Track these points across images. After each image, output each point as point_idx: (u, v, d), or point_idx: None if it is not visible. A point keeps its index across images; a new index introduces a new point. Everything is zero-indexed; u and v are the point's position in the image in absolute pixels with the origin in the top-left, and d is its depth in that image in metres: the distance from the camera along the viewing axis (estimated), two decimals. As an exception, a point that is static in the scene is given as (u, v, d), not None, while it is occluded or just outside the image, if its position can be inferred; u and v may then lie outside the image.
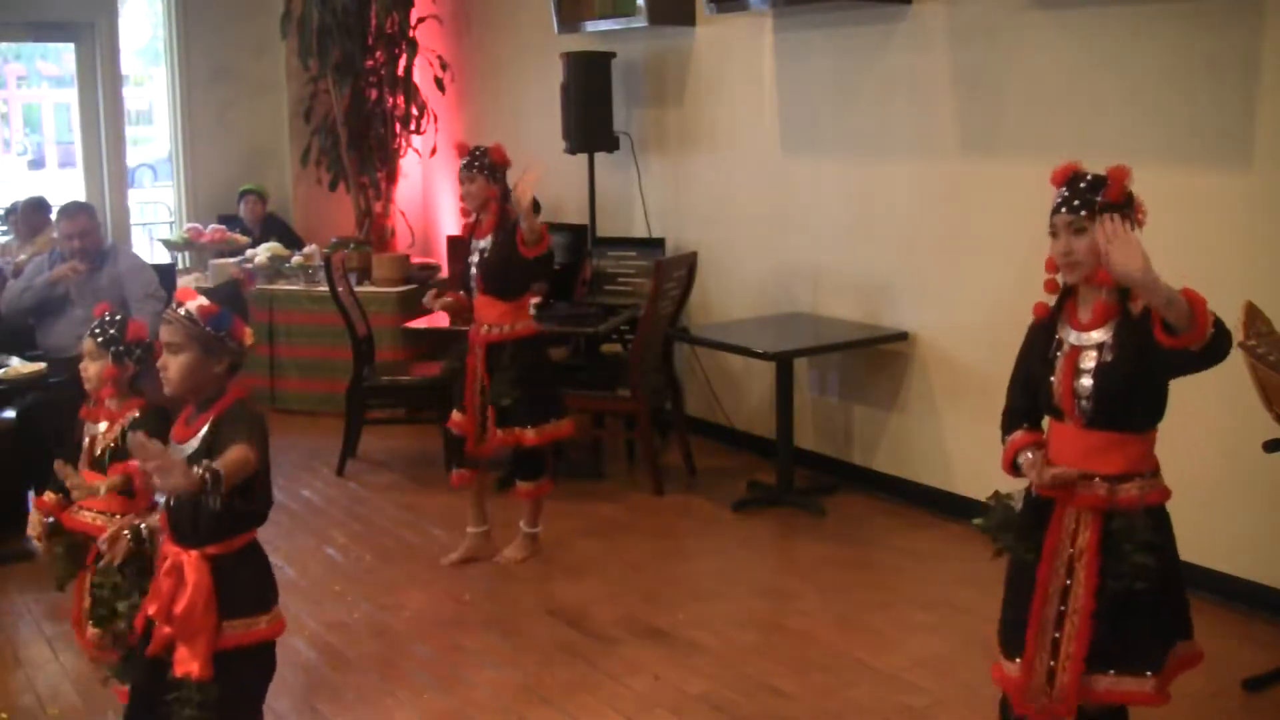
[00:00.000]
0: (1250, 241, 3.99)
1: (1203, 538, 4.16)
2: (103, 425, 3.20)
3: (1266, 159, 3.94)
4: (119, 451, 3.13)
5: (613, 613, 4.26)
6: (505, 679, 3.79)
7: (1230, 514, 4.13)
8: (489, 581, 4.59)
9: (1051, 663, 2.59)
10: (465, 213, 4.61)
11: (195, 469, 2.41)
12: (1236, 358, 3.49)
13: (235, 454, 2.48)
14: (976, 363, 4.93)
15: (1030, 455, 2.64)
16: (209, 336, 2.61)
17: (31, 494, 5.28)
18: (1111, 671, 2.57)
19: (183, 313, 2.61)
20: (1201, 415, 4.03)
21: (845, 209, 5.47)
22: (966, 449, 5.04)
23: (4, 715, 3.62)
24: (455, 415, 4.65)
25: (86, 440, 3.23)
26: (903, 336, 5.22)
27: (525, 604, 4.37)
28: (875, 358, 5.39)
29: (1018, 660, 2.64)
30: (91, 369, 3.20)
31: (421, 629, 4.19)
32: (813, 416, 5.74)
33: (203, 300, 2.63)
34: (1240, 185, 4.01)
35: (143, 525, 2.79)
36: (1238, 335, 3.49)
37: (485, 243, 4.51)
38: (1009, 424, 2.74)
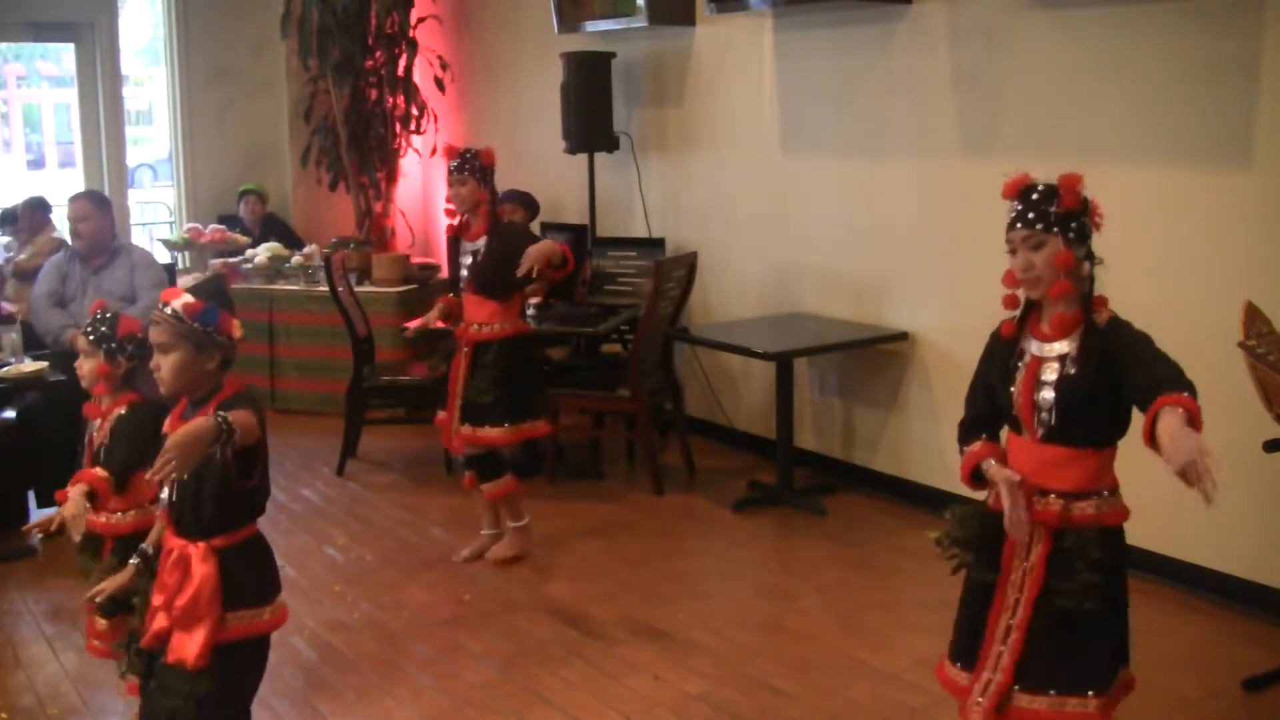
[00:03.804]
0: (1250, 241, 3.99)
1: (1203, 538, 4.17)
2: (98, 421, 3.22)
3: (1266, 159, 3.94)
4: (108, 448, 3.14)
5: (613, 613, 4.26)
6: (505, 679, 3.79)
7: (1230, 514, 4.11)
8: (489, 581, 4.59)
9: (992, 675, 2.56)
10: (451, 214, 4.64)
11: (210, 420, 2.42)
12: (1236, 357, 3.51)
13: (238, 416, 2.48)
14: (976, 362, 4.92)
15: (994, 463, 2.57)
16: (197, 333, 2.61)
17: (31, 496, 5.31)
18: (1053, 691, 2.50)
19: (169, 311, 2.61)
20: (1201, 415, 4.02)
21: (845, 209, 5.47)
22: (966, 449, 5.03)
23: (4, 715, 3.62)
24: (440, 414, 4.68)
25: (88, 437, 3.24)
26: (902, 336, 5.22)
27: (525, 604, 4.37)
28: (875, 358, 5.39)
29: (965, 670, 2.62)
30: (85, 366, 3.22)
31: (421, 629, 4.19)
32: (813, 416, 5.74)
33: (188, 297, 2.64)
34: (1240, 185, 4.01)
35: (149, 546, 2.79)
36: (1238, 335, 3.50)
37: (477, 245, 4.56)
38: (967, 433, 2.68)
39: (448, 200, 4.59)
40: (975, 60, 4.83)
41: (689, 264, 5.71)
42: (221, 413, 2.46)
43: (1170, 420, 2.22)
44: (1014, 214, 2.53)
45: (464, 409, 4.55)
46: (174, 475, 2.41)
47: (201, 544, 2.62)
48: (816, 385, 5.73)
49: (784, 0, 5.32)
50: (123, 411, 3.16)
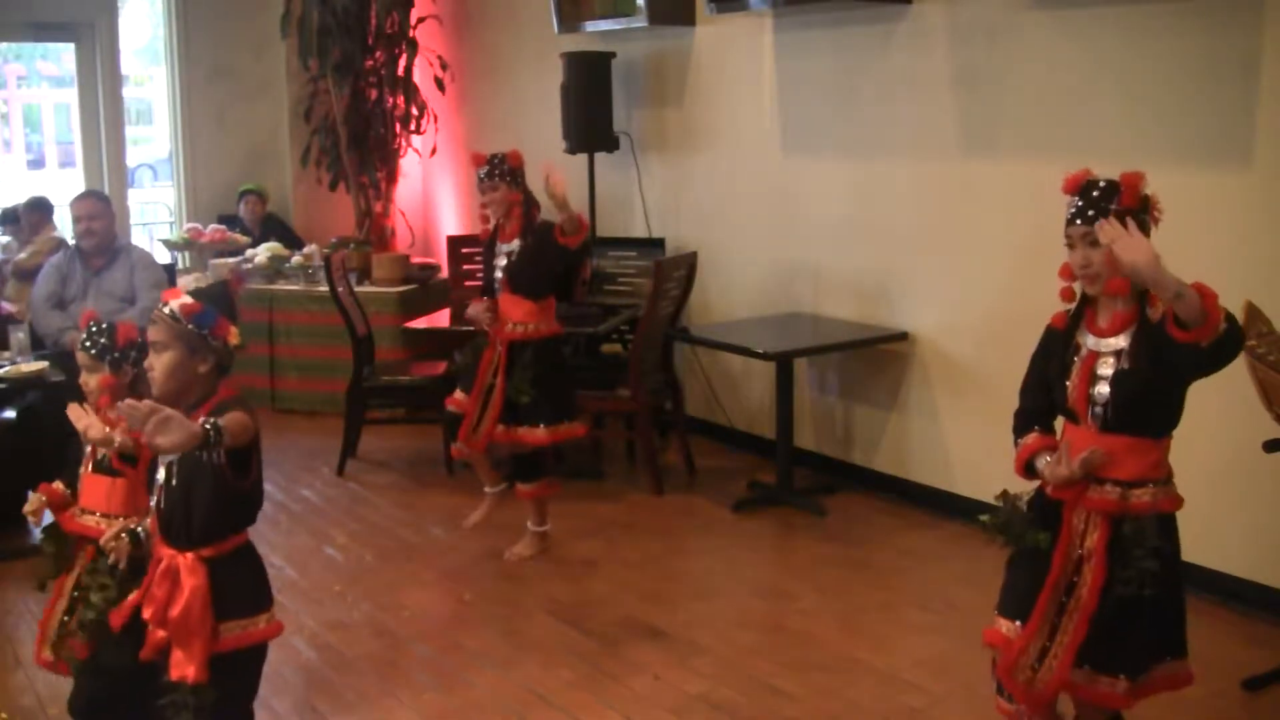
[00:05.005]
0: (1250, 241, 3.99)
1: (1203, 538, 4.15)
2: None
3: (1266, 159, 3.94)
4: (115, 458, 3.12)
5: (613, 613, 4.26)
6: (505, 679, 3.79)
7: (1230, 514, 4.13)
8: (489, 581, 4.59)
9: (1047, 643, 2.58)
10: (486, 219, 4.71)
11: (197, 422, 2.40)
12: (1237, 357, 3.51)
13: (233, 416, 2.47)
14: (976, 362, 4.93)
15: (1050, 458, 2.63)
16: (192, 335, 2.60)
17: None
18: (1087, 667, 2.56)
19: (167, 311, 2.61)
20: (1201, 415, 4.00)
21: (845, 209, 5.47)
22: (966, 449, 5.04)
23: (4, 715, 3.62)
24: (458, 394, 4.72)
25: (88, 448, 3.20)
26: (902, 336, 5.22)
27: (525, 604, 4.37)
28: (875, 358, 5.39)
29: (1018, 622, 2.62)
30: (91, 381, 3.11)
31: (421, 629, 4.19)
32: (813, 416, 5.74)
33: (187, 299, 2.63)
34: (1240, 185, 4.01)
35: (139, 528, 2.79)
36: (1238, 335, 3.50)
37: (511, 246, 4.62)
38: (1021, 425, 2.73)
39: (483, 207, 4.66)
40: (975, 60, 4.83)
41: (689, 264, 5.71)
42: (210, 419, 2.44)
43: None
44: (1073, 210, 2.54)
45: (504, 409, 4.57)
46: (141, 429, 2.34)
47: (189, 555, 2.60)
48: (816, 385, 5.73)
49: (784, 0, 5.32)
50: None
